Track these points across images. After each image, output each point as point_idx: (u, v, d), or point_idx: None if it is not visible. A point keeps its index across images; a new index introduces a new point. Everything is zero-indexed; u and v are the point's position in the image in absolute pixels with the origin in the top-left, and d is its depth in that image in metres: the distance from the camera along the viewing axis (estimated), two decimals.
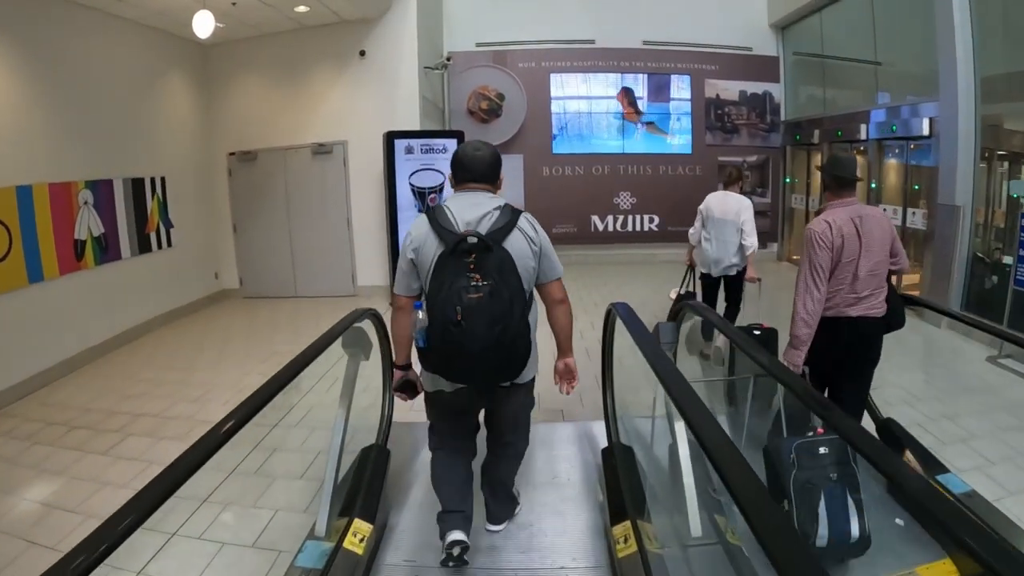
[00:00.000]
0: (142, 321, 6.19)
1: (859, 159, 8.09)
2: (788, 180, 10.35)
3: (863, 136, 7.79)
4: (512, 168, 9.10)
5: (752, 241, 4.56)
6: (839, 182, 2.77)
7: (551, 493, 2.86)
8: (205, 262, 7.50)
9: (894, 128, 7.11)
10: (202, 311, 7.21)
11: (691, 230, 4.93)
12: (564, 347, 2.29)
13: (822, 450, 2.22)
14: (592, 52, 9.39)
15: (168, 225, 6.67)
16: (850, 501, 2.17)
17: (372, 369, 2.86)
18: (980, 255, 6.04)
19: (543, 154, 9.40)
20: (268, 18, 6.70)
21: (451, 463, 2.33)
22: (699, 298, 4.73)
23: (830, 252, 2.63)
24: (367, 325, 2.75)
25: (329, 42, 7.33)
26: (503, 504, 2.53)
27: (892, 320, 2.80)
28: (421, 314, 1.96)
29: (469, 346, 1.87)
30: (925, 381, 4.31)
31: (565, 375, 2.33)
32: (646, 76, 9.68)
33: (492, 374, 2.03)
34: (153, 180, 6.48)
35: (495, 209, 2.03)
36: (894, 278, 3.05)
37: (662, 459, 2.81)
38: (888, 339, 2.82)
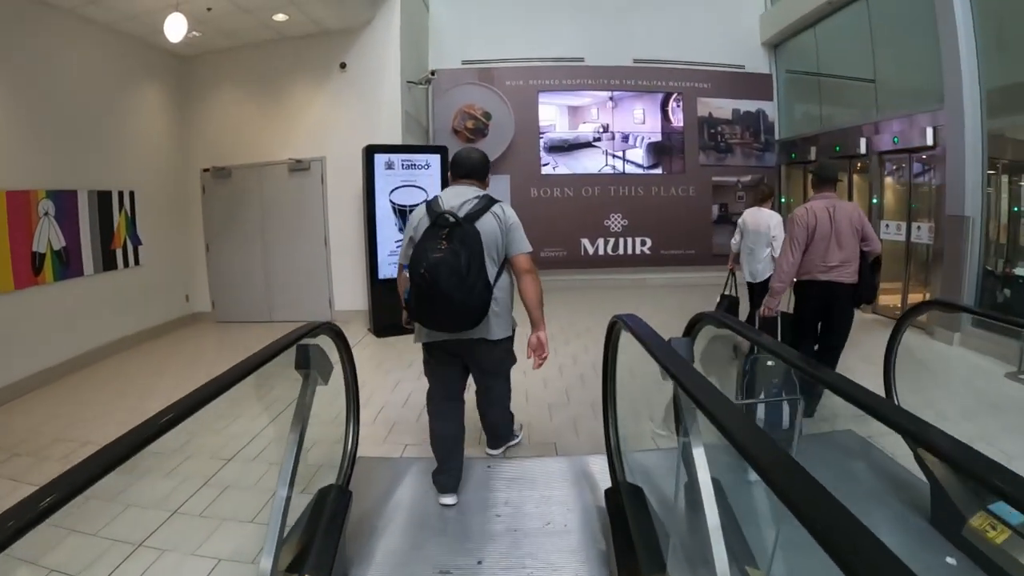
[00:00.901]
0: (104, 343, 6.08)
1: (857, 177, 8.57)
2: (784, 200, 10.38)
3: (862, 150, 7.97)
4: (499, 190, 9.13)
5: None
6: (819, 180, 4.00)
7: (543, 542, 2.54)
8: (175, 283, 7.42)
9: (896, 140, 7.27)
10: (170, 335, 7.10)
11: (732, 240, 5.77)
12: (533, 318, 2.84)
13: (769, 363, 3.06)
14: (581, 70, 9.58)
15: (136, 242, 6.61)
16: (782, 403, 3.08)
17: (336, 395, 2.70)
18: (989, 268, 6.11)
19: (531, 175, 9.48)
20: (246, 27, 6.74)
21: (442, 423, 2.95)
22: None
23: (805, 230, 3.77)
24: (326, 343, 2.49)
25: (309, 54, 7.36)
26: (497, 439, 3.37)
27: (862, 292, 3.86)
28: (404, 273, 2.72)
29: (433, 294, 2.51)
30: (949, 400, 4.27)
31: (536, 348, 2.84)
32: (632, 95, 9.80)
33: (453, 318, 2.62)
34: (121, 194, 6.42)
35: (475, 198, 2.71)
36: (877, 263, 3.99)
37: (679, 499, 2.32)
38: (904, 358, 3.53)
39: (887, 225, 7.85)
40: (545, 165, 9.38)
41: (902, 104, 7.44)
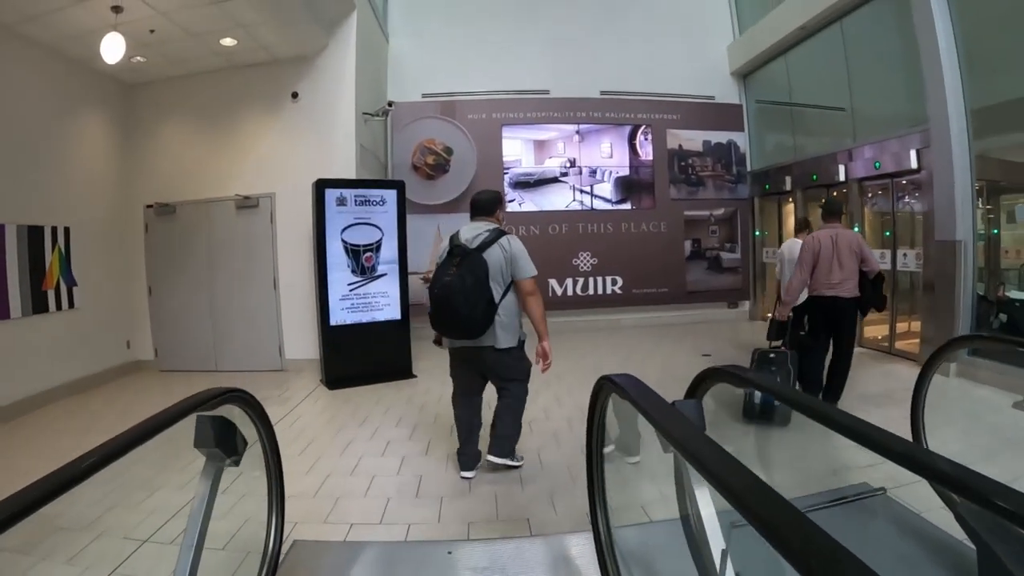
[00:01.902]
0: (32, 394, 5.89)
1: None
2: (758, 233, 10.67)
3: (841, 177, 8.31)
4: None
5: None
6: (827, 213, 5.24)
7: None
8: (115, 328, 7.34)
9: (877, 166, 7.59)
10: (108, 384, 6.93)
11: (776, 268, 6.90)
12: (538, 331, 3.71)
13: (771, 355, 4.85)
14: (547, 102, 9.88)
15: (70, 282, 6.54)
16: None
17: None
18: (981, 294, 6.30)
19: None
20: (194, 54, 6.83)
21: (462, 411, 3.91)
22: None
23: (812, 255, 5.00)
24: (237, 413, 2.17)
25: (259, 83, 7.42)
26: (502, 442, 3.80)
27: (864, 304, 5.04)
28: (428, 292, 3.67)
29: (445, 308, 3.47)
30: (964, 438, 4.30)
31: (542, 355, 3.72)
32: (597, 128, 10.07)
33: (461, 327, 3.52)
34: (55, 230, 6.33)
35: (486, 231, 3.64)
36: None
37: None
38: (904, 394, 3.96)
39: (881, 255, 8.07)
40: (510, 202, 9.53)
41: (881, 129, 7.75)
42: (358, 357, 6.48)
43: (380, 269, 6.72)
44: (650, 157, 10.24)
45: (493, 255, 3.58)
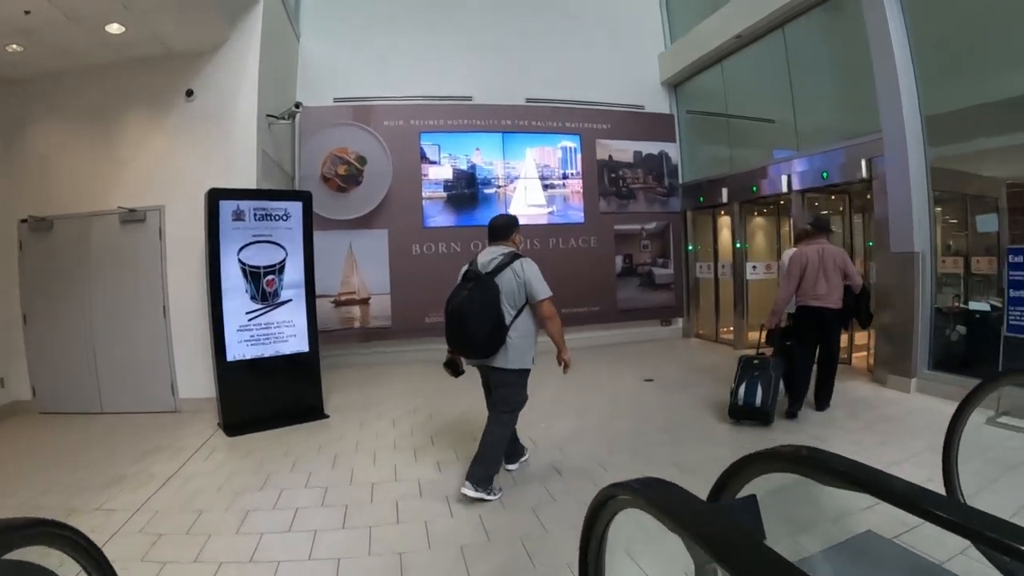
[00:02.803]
0: None
1: (784, 220, 9.89)
2: (691, 248, 11.20)
3: (784, 188, 8.83)
4: (374, 248, 9.43)
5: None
6: (816, 229, 6.06)
7: None
8: None
9: (825, 176, 8.06)
10: None
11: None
12: (558, 346, 4.22)
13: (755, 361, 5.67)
14: (469, 109, 10.14)
15: None
16: (759, 387, 5.45)
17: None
18: (937, 306, 6.70)
19: (412, 229, 9.73)
20: (80, 44, 6.47)
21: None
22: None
23: (799, 267, 5.81)
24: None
25: (151, 79, 7.13)
26: (478, 469, 4.08)
27: (847, 317, 6.07)
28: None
29: (455, 326, 4.07)
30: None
31: (564, 364, 4.26)
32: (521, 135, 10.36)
33: (470, 345, 4.09)
34: None
35: (501, 256, 4.14)
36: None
37: None
38: (871, 415, 5.72)
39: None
40: (429, 216, 9.69)
41: (828, 138, 8.25)
42: (261, 397, 6.20)
43: (284, 294, 6.47)
44: (579, 168, 10.63)
45: (505, 279, 4.09)
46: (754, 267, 10.02)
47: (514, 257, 4.16)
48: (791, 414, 5.76)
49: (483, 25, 10.47)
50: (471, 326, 3.97)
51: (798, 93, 8.72)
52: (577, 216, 10.59)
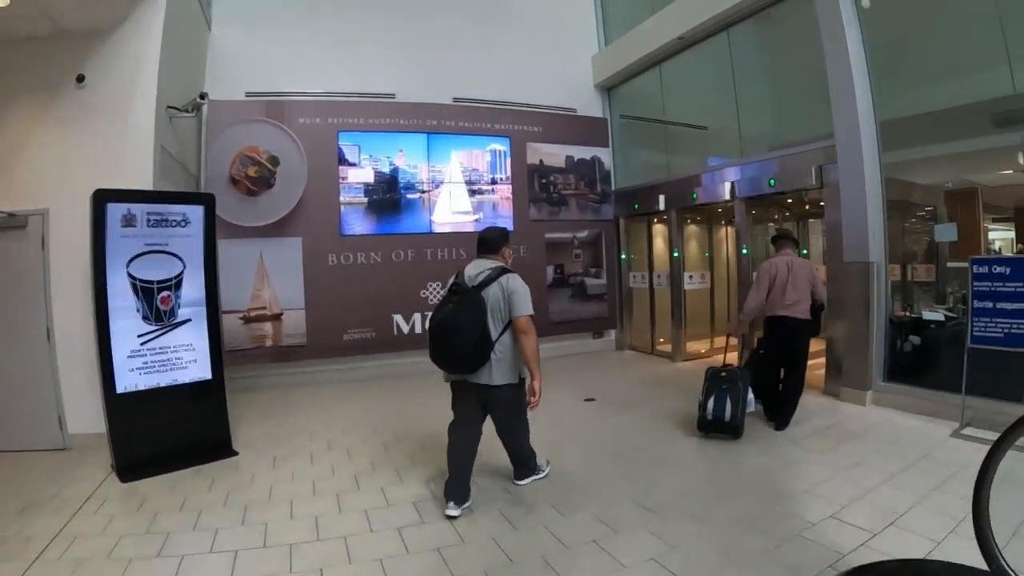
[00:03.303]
0: None
1: (722, 227, 10.52)
2: (624, 257, 11.34)
3: (727, 196, 8.96)
4: (287, 258, 9.08)
5: None
6: (780, 240, 6.45)
7: None
8: None
9: (772, 183, 8.19)
10: None
11: None
12: (530, 369, 4.23)
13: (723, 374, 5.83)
14: (392, 108, 9.89)
15: None
16: (728, 400, 5.64)
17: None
18: (890, 317, 6.87)
19: (328, 237, 9.40)
20: None
21: (455, 441, 4.45)
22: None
23: (769, 278, 6.12)
24: None
25: (36, 62, 6.57)
26: (521, 468, 4.76)
27: (816, 325, 6.32)
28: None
29: (440, 341, 4.13)
30: (936, 490, 4.38)
31: (531, 392, 4.25)
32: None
33: (453, 361, 4.17)
34: None
35: (489, 269, 4.27)
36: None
37: None
38: (842, 438, 5.71)
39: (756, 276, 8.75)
40: (347, 224, 9.41)
41: (775, 144, 8.39)
42: (158, 434, 5.58)
43: (182, 313, 5.89)
44: (509, 173, 10.57)
45: (491, 293, 4.20)
46: (691, 277, 10.19)
47: (503, 271, 4.29)
48: (778, 427, 6.05)
49: (408, 19, 10.27)
50: (455, 340, 4.07)
51: (743, 98, 8.92)
52: (506, 223, 10.45)
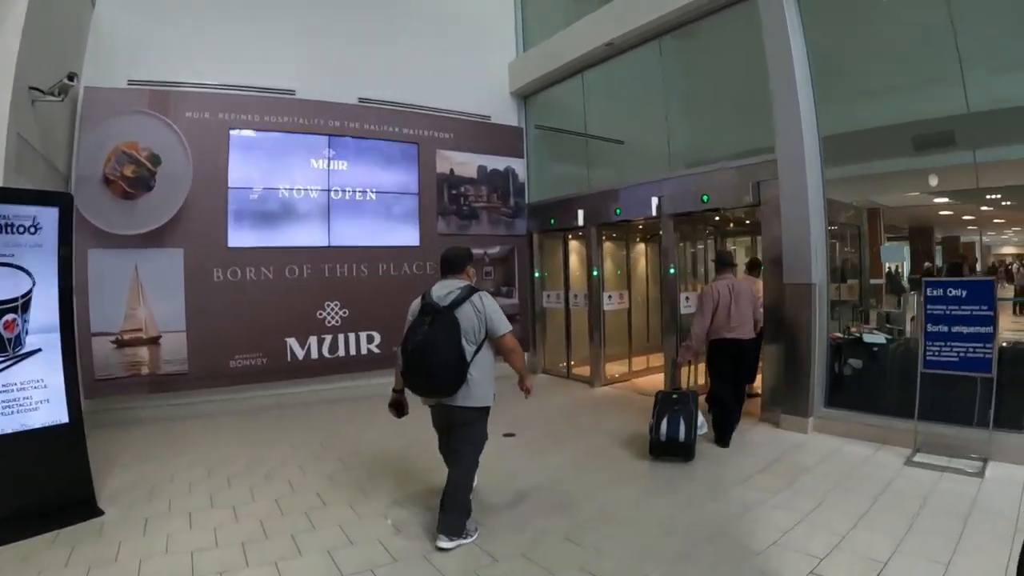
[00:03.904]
0: None
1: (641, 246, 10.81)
2: (538, 274, 11.44)
3: (653, 212, 8.95)
4: (166, 271, 8.41)
5: None
6: (721, 265, 6.92)
7: None
8: None
9: (705, 199, 8.19)
10: None
11: None
12: (521, 375, 4.57)
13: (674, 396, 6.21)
14: (292, 105, 9.41)
15: None
16: (682, 421, 5.95)
17: None
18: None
19: (214, 249, 8.75)
20: None
21: (447, 462, 4.61)
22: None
23: (712, 302, 6.56)
24: None
25: None
26: (452, 517, 4.34)
27: (759, 344, 7.14)
28: (398, 350, 4.36)
29: (417, 366, 4.18)
30: (911, 531, 4.34)
31: (525, 389, 4.63)
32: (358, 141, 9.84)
33: (432, 385, 4.25)
34: None
35: (458, 289, 4.34)
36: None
37: None
38: (793, 472, 5.67)
39: (687, 298, 8.94)
40: (235, 234, 8.84)
41: (708, 158, 8.42)
42: (3, 493, 4.61)
43: (30, 341, 4.88)
44: (417, 182, 10.29)
45: (465, 313, 4.27)
46: (609, 297, 10.20)
47: (472, 291, 4.39)
48: (723, 443, 6.51)
49: (314, 8, 9.85)
50: (434, 364, 4.15)
51: (673, 110, 9.02)
52: (412, 237, 10.25)
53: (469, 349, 4.26)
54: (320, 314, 9.38)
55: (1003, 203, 6.73)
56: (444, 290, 4.39)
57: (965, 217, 7.10)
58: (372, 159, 9.91)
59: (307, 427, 7.82)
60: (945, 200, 7.10)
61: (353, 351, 9.61)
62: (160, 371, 8.23)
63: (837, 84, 6.96)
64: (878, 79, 6.75)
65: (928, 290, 5.87)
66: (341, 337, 9.53)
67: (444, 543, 4.26)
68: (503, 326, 4.37)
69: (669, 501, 5.15)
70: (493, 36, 11.58)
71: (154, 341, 8.18)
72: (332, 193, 9.55)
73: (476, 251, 10.50)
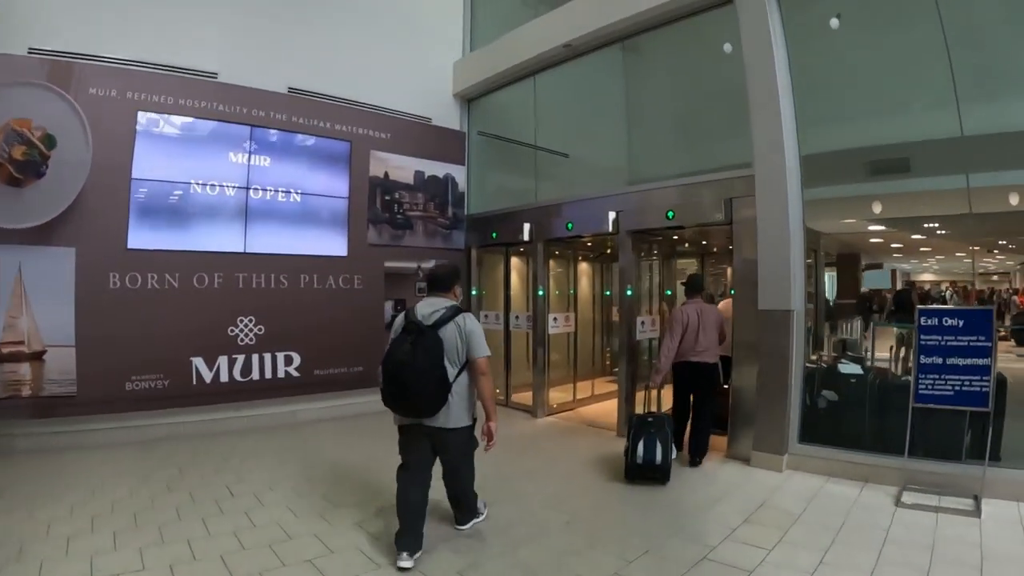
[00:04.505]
0: None
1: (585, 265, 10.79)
2: (475, 292, 11.14)
3: (608, 228, 8.59)
4: (54, 274, 7.47)
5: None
6: (690, 290, 7.27)
7: None
8: None
9: (671, 215, 7.86)
10: None
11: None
12: (487, 410, 4.64)
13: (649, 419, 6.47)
14: (212, 89, 8.61)
15: None
16: (658, 444, 6.19)
17: None
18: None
19: (112, 250, 7.89)
20: None
21: (405, 491, 4.61)
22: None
23: (681, 326, 6.94)
24: None
25: None
26: (464, 512, 5.11)
27: (725, 367, 7.31)
28: (380, 368, 4.47)
29: (397, 383, 4.34)
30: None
31: (487, 434, 4.68)
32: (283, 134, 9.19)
33: (412, 405, 4.38)
34: None
35: (443, 308, 4.58)
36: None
37: None
38: (780, 520, 5.27)
39: (642, 322, 8.62)
40: (136, 233, 7.98)
41: (672, 172, 8.16)
42: None
43: None
44: (347, 184, 9.71)
45: (448, 333, 4.46)
46: (555, 319, 9.84)
47: (457, 311, 4.59)
48: (695, 463, 6.94)
49: None
50: (415, 383, 4.25)
51: (636, 118, 8.77)
52: (339, 247, 9.63)
53: (451, 370, 4.44)
54: (232, 330, 8.58)
55: (938, 232, 7.00)
56: (429, 308, 4.58)
57: (894, 245, 7.37)
58: (299, 156, 9.25)
59: (215, 465, 6.94)
60: (881, 228, 7.19)
61: (269, 374, 8.85)
62: (44, 392, 7.28)
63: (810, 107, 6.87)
64: (829, 104, 6.84)
65: (922, 319, 5.75)
66: (256, 358, 8.74)
67: (463, 526, 5.06)
68: (482, 349, 4.57)
69: (657, 567, 4.61)
70: (439, 32, 11.23)
71: (37, 357, 7.24)
72: (251, 192, 8.80)
73: (409, 264, 10.24)
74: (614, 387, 11.21)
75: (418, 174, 10.40)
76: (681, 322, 6.98)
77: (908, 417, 5.77)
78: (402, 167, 10.21)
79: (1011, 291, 7.03)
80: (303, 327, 9.05)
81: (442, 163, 10.68)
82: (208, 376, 8.41)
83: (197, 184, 8.40)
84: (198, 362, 8.33)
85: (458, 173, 10.85)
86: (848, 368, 6.80)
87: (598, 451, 7.49)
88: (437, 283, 4.82)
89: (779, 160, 6.70)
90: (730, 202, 7.28)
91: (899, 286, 7.21)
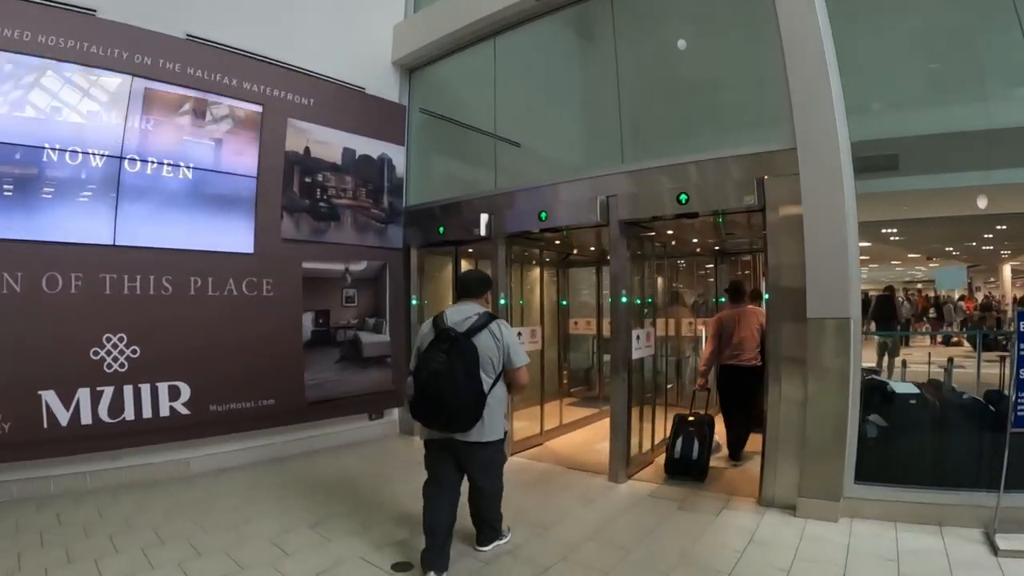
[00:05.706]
0: None
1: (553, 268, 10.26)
2: (416, 302, 10.01)
3: (596, 217, 7.34)
4: None
5: None
6: (734, 296, 8.22)
7: None
8: None
9: (684, 199, 6.64)
10: None
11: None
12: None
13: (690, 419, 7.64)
14: (88, 26, 6.74)
15: None
16: (696, 441, 7.21)
17: None
18: None
19: None
20: None
21: (433, 513, 4.72)
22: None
23: (720, 330, 8.00)
24: None
25: None
26: (487, 533, 5.21)
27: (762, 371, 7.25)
28: (410, 379, 4.62)
29: (431, 397, 4.40)
30: None
31: None
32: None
33: (447, 419, 4.45)
34: None
35: (475, 315, 4.72)
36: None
37: None
38: None
39: (638, 336, 7.61)
40: None
41: (676, 148, 7.04)
42: None
43: None
44: (255, 160, 7.95)
45: (483, 341, 4.55)
46: (519, 334, 8.31)
47: (490, 318, 4.65)
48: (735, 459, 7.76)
49: None
50: (451, 396, 4.28)
51: (630, 82, 7.51)
52: (243, 242, 7.83)
53: (487, 381, 4.50)
54: (96, 353, 6.61)
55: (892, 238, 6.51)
56: (460, 315, 4.65)
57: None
58: (192, 118, 7.43)
59: (68, 544, 5.14)
60: None
61: (148, 412, 6.91)
62: None
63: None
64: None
65: (1022, 324, 5.01)
66: (129, 390, 6.76)
67: (485, 548, 5.05)
68: (522, 358, 4.71)
69: None
70: None
71: None
72: (126, 162, 6.90)
73: (334, 267, 8.79)
74: (586, 412, 10.28)
75: (347, 152, 8.88)
76: (716, 327, 7.90)
77: (1006, 445, 5.01)
78: (327, 142, 8.65)
79: (960, 297, 6.75)
80: (194, 348, 7.23)
81: (377, 140, 9.23)
82: (64, 417, 6.40)
83: (53, 149, 6.45)
84: (49, 397, 6.31)
85: (396, 154, 9.42)
86: (903, 388, 5.98)
87: (601, 513, 5.99)
88: (468, 289, 4.92)
89: (829, 126, 5.66)
90: (761, 182, 6.16)
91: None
